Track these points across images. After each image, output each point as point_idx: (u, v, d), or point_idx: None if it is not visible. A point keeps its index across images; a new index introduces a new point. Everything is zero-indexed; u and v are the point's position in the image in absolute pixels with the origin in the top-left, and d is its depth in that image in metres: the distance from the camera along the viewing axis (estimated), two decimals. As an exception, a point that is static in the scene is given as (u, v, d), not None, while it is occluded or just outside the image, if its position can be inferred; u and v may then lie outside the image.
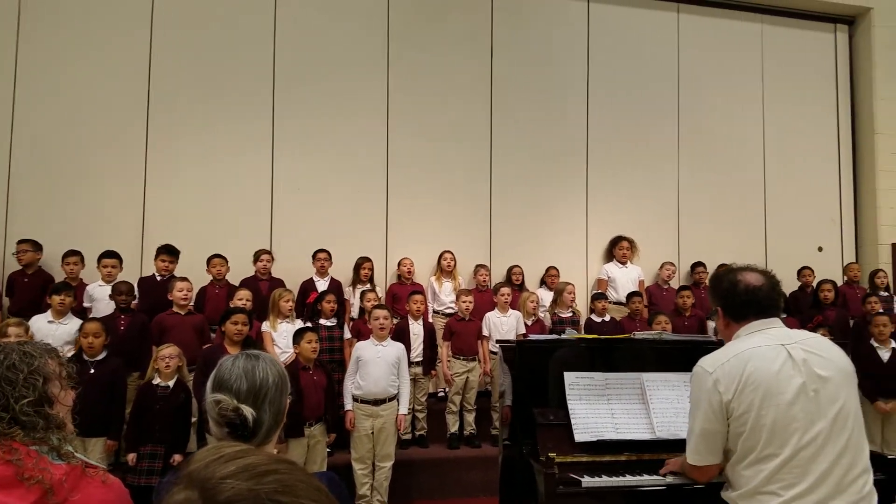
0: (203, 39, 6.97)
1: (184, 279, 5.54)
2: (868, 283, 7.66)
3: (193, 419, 5.01)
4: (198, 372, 4.70)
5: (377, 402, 4.95)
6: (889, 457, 5.41)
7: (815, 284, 7.35)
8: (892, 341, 5.95)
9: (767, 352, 2.14)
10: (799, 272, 7.62)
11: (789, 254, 8.02)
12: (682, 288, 7.18)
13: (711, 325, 6.97)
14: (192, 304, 5.64)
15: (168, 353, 4.65)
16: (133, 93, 6.76)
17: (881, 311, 6.46)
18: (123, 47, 6.76)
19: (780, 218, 8.34)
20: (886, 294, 7.39)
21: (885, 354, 5.85)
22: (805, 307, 7.22)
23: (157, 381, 4.64)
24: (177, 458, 4.48)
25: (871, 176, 8.46)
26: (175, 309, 5.42)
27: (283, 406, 1.63)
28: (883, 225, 8.32)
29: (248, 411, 1.53)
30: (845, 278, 7.86)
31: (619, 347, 3.54)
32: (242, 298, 5.56)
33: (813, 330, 5.15)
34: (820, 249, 8.42)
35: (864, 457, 2.10)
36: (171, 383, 4.64)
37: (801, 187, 8.43)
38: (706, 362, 2.23)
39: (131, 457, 4.48)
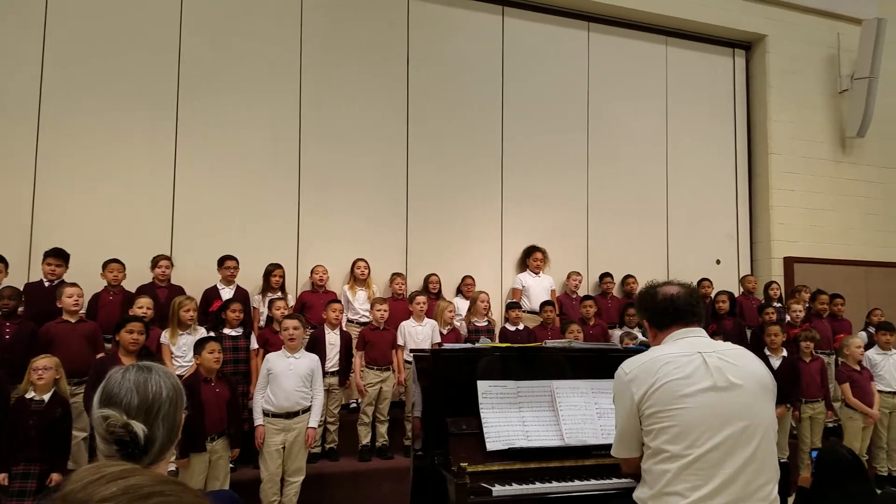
0: (101, 31, 6.58)
1: (73, 284, 5.17)
2: (763, 294, 8.08)
3: (84, 435, 4.70)
4: (89, 385, 4.40)
5: (289, 416, 4.78)
6: (781, 460, 5.69)
7: (713, 295, 7.69)
8: (783, 350, 6.31)
9: (682, 357, 2.23)
10: (699, 284, 7.96)
11: (689, 266, 8.38)
12: (585, 298, 7.35)
13: (617, 333, 7.19)
14: (83, 311, 5.29)
15: (42, 365, 4.34)
16: (23, 84, 6.30)
17: (773, 321, 6.82)
18: (14, 38, 6.30)
19: (682, 231, 8.71)
20: (779, 305, 7.81)
21: (775, 362, 6.18)
22: (705, 317, 7.54)
23: (31, 394, 4.32)
24: (55, 477, 4.19)
25: (765, 194, 8.96)
26: (65, 317, 5.06)
27: (177, 422, 1.52)
28: (776, 240, 8.82)
29: (138, 428, 1.41)
30: (742, 290, 8.27)
31: (531, 356, 3.57)
32: (143, 306, 5.25)
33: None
34: (718, 263, 8.84)
35: (772, 465, 2.17)
36: (46, 397, 4.33)
37: (701, 203, 8.84)
38: (626, 364, 2.32)
39: (1, 477, 4.15)
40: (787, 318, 7.38)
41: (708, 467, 2.08)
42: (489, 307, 6.87)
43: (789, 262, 8.78)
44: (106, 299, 5.71)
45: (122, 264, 5.81)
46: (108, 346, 5.16)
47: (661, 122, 8.79)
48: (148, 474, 0.73)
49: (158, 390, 1.49)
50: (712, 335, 6.48)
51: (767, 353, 6.22)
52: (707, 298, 7.81)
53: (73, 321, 5.08)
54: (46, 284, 5.51)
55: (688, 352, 2.24)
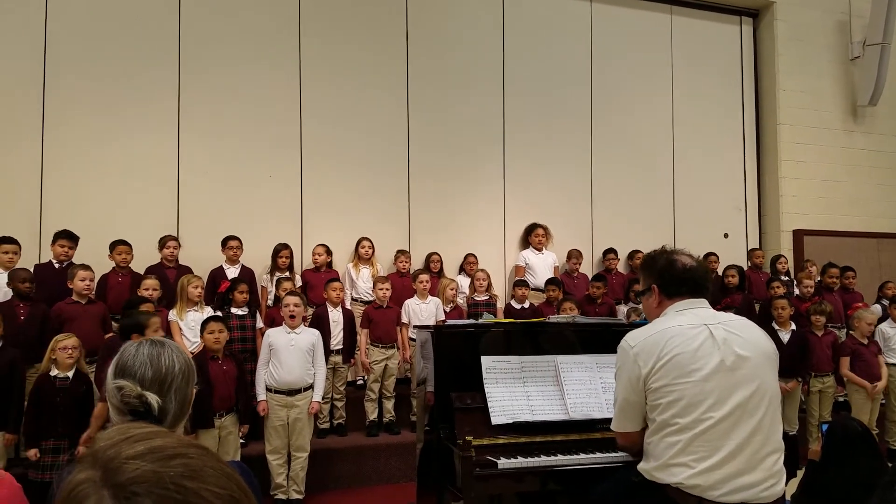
0: (103, 13, 6.57)
1: (86, 267, 5.22)
2: (770, 268, 8.01)
3: (105, 411, 4.80)
4: (101, 363, 4.49)
5: (292, 392, 4.85)
6: (790, 433, 5.69)
7: (721, 270, 7.65)
8: (792, 323, 6.27)
9: (689, 330, 2.22)
10: (705, 258, 7.92)
11: (697, 240, 8.27)
12: (596, 278, 7.31)
13: (623, 309, 7.19)
14: (93, 292, 5.36)
15: (70, 344, 4.46)
16: (26, 68, 6.30)
17: (781, 294, 6.78)
18: (16, 18, 6.29)
19: (688, 205, 8.61)
20: (787, 279, 7.73)
21: (784, 336, 6.11)
22: (713, 292, 7.50)
23: (54, 372, 4.42)
24: (82, 451, 4.28)
25: (774, 165, 8.82)
26: (75, 298, 5.13)
27: (188, 396, 1.57)
28: (785, 212, 8.70)
29: (152, 398, 1.47)
30: (750, 264, 8.20)
31: (534, 331, 3.60)
32: (149, 288, 5.31)
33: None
34: (726, 236, 8.76)
35: (776, 437, 2.19)
36: (70, 374, 4.44)
37: (708, 176, 8.72)
38: (630, 337, 2.31)
39: (32, 452, 4.29)
40: (797, 291, 7.33)
41: (715, 438, 2.11)
42: (487, 284, 6.88)
43: (799, 235, 8.67)
44: (114, 281, 5.76)
45: (130, 246, 5.86)
46: (115, 325, 5.23)
47: (667, 95, 8.67)
48: (173, 436, 0.76)
49: (171, 364, 1.54)
50: (724, 310, 6.46)
51: (776, 326, 6.14)
52: (713, 273, 7.78)
53: (83, 302, 5.15)
54: (56, 265, 5.57)
55: (694, 324, 2.24)
